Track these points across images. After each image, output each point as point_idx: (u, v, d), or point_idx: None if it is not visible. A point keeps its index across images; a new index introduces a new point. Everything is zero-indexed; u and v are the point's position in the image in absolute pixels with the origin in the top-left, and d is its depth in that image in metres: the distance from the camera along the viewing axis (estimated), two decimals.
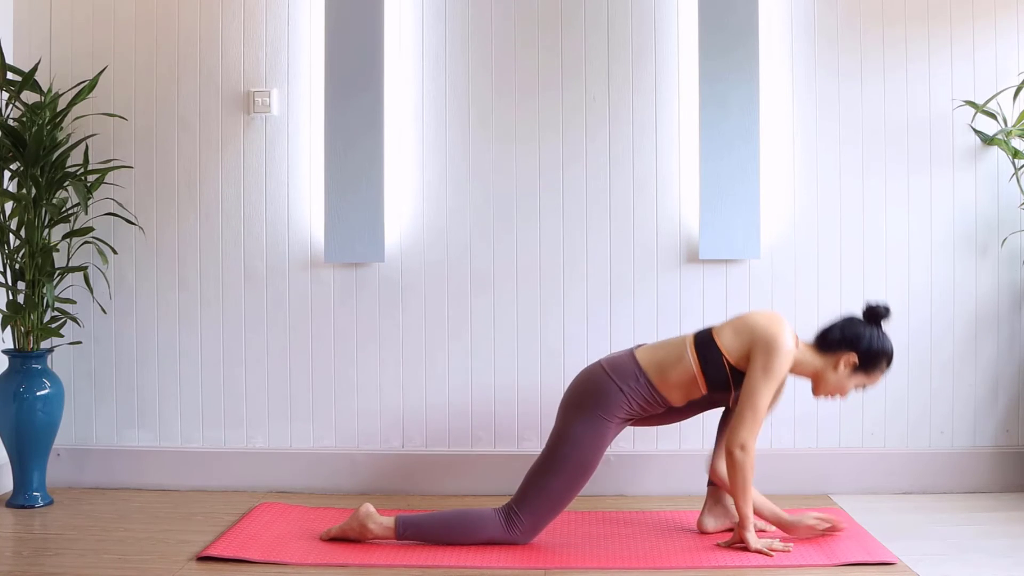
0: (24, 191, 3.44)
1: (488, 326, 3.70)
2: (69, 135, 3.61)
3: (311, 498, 3.60)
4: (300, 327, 3.73)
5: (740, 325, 2.95)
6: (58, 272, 3.54)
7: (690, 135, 3.65)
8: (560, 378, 3.64)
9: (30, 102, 3.52)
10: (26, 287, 3.46)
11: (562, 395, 3.06)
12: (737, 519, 2.97)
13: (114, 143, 3.75)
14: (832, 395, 3.01)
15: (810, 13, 3.66)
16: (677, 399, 2.98)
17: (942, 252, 3.66)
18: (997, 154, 3.64)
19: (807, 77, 3.66)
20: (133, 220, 3.72)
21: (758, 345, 2.89)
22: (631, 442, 3.64)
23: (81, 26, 3.76)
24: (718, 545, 2.99)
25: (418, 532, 2.99)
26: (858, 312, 3.05)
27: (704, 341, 2.96)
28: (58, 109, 3.52)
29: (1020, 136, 3.55)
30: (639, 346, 3.08)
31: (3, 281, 3.48)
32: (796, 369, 2.99)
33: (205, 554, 2.90)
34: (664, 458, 3.66)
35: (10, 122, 3.48)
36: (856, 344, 2.96)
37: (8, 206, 3.49)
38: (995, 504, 3.47)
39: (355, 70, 3.65)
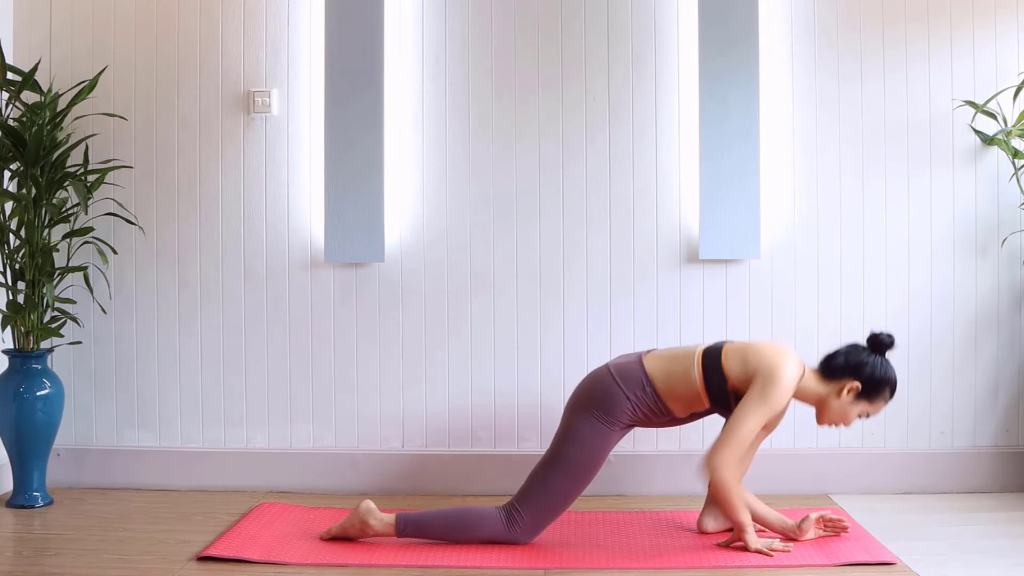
0: (24, 191, 3.44)
1: (488, 326, 3.70)
2: (69, 135, 3.61)
3: (311, 498, 3.60)
4: (300, 327, 3.73)
5: (748, 354, 2.96)
6: (58, 272, 3.54)
7: (690, 135, 3.65)
8: (560, 378, 3.64)
9: (30, 102, 3.52)
10: (26, 287, 3.46)
11: (566, 396, 3.07)
12: None
13: (114, 143, 3.75)
14: (835, 423, 3.02)
15: (810, 13, 3.66)
16: (680, 410, 3.02)
17: (942, 252, 3.66)
18: (997, 154, 3.63)
19: (807, 77, 3.66)
20: (133, 220, 3.72)
21: (760, 373, 2.91)
22: (631, 442, 3.64)
23: (81, 26, 3.76)
24: (718, 545, 2.99)
25: (419, 529, 2.99)
26: (862, 340, 3.06)
27: (712, 362, 2.97)
28: (58, 109, 3.52)
29: (1020, 136, 3.55)
30: (648, 351, 3.09)
31: (3, 281, 3.48)
32: (800, 395, 3.01)
33: (205, 554, 2.89)
34: (664, 458, 3.66)
35: (10, 122, 3.48)
36: (859, 372, 2.97)
37: (8, 206, 3.49)
38: (995, 504, 3.47)
39: (355, 70, 3.65)
